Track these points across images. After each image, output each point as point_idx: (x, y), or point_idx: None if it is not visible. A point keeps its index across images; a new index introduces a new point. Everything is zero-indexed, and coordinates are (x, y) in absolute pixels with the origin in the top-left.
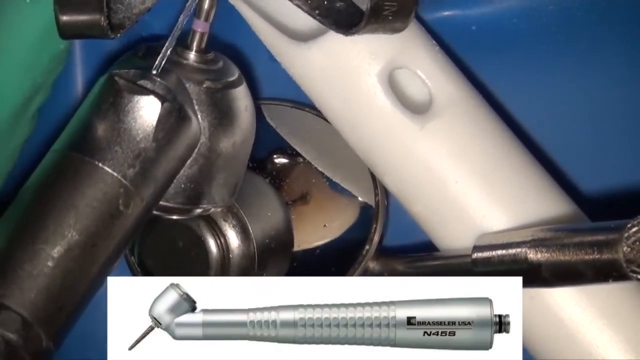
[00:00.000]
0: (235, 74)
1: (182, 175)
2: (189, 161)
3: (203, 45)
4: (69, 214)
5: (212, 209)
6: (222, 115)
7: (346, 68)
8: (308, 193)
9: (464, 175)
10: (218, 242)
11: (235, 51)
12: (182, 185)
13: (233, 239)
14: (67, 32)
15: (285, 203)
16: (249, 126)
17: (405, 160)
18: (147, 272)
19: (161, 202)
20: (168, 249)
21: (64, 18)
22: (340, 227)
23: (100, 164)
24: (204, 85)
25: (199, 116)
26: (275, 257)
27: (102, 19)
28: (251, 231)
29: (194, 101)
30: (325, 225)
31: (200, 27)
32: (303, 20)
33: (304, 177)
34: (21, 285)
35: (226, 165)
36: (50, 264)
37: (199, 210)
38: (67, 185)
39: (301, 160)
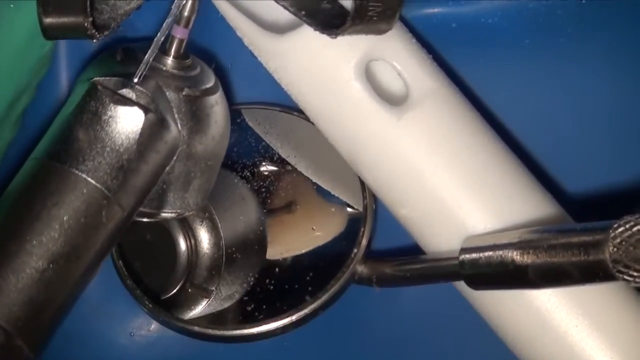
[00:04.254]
0: (212, 79)
1: (160, 181)
2: (167, 168)
3: (182, 51)
4: (53, 227)
5: (186, 213)
6: (200, 122)
7: (323, 60)
8: (296, 201)
9: (443, 167)
10: (187, 237)
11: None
12: (159, 191)
13: (202, 235)
14: (51, 34)
15: (261, 205)
16: (225, 131)
17: (383, 153)
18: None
19: None
20: (137, 240)
21: (48, 20)
22: (328, 235)
23: (84, 176)
24: (183, 93)
25: (178, 124)
26: (245, 257)
27: (86, 20)
28: (220, 227)
29: (174, 109)
30: (313, 228)
31: (180, 33)
32: (279, 13)
33: (291, 185)
34: (5, 298)
35: (202, 171)
36: (34, 277)
37: (172, 215)
38: (52, 197)
39: (289, 167)
